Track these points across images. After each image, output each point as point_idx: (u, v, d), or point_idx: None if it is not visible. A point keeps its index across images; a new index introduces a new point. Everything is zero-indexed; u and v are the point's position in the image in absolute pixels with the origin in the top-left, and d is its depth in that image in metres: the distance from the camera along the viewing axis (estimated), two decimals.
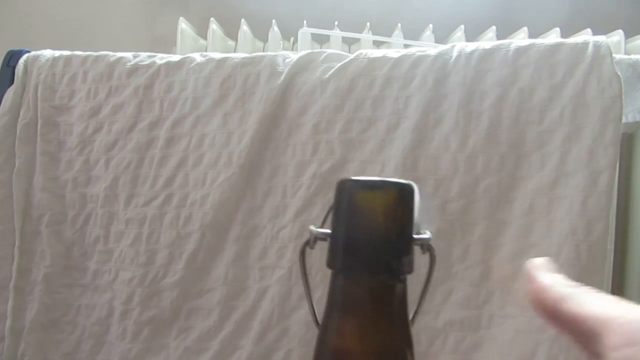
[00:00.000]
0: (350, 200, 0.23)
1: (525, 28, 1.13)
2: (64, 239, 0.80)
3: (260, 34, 1.23)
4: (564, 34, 1.09)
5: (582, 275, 0.64)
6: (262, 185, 0.76)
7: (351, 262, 0.23)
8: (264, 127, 0.76)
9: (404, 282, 0.24)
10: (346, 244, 0.23)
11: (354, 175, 0.73)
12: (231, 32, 1.23)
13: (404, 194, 0.24)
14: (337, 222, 0.24)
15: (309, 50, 0.80)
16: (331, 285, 0.24)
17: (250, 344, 0.72)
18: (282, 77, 0.76)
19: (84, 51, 0.86)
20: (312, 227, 0.25)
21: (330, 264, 0.24)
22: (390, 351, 0.23)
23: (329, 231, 0.24)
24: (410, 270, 0.24)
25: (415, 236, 0.24)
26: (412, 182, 0.24)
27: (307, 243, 0.25)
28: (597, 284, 0.64)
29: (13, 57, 0.86)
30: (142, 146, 0.79)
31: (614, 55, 0.69)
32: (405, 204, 0.24)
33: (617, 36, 1.01)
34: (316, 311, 0.26)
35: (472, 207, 0.69)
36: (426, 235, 0.24)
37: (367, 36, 1.15)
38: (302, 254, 0.25)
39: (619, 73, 0.68)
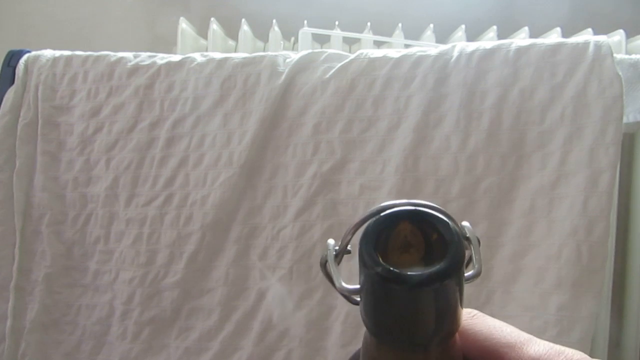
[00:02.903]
0: (384, 292, 0.19)
1: (526, 28, 1.12)
2: (64, 239, 0.80)
3: (261, 34, 1.22)
4: (565, 34, 1.09)
5: (583, 275, 0.64)
6: (262, 185, 0.76)
7: (385, 334, 0.20)
8: (264, 127, 0.76)
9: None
10: (379, 321, 0.20)
11: (355, 175, 0.73)
12: (232, 32, 1.23)
13: (450, 285, 0.18)
14: (367, 297, 0.19)
15: (310, 50, 0.80)
16: (364, 342, 0.21)
17: (250, 344, 0.72)
18: (283, 77, 0.76)
19: (85, 51, 0.86)
20: (331, 243, 0.22)
21: (364, 322, 0.20)
22: None
23: (357, 287, 0.20)
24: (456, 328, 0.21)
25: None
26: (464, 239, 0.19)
27: (324, 262, 0.21)
28: (597, 284, 0.64)
29: (13, 57, 0.86)
30: (143, 146, 0.79)
31: (615, 55, 0.69)
32: (451, 290, 0.19)
33: (618, 36, 1.01)
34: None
35: (473, 207, 0.69)
36: (471, 273, 0.21)
37: (367, 36, 1.15)
38: (324, 266, 0.21)
39: (620, 73, 0.68)
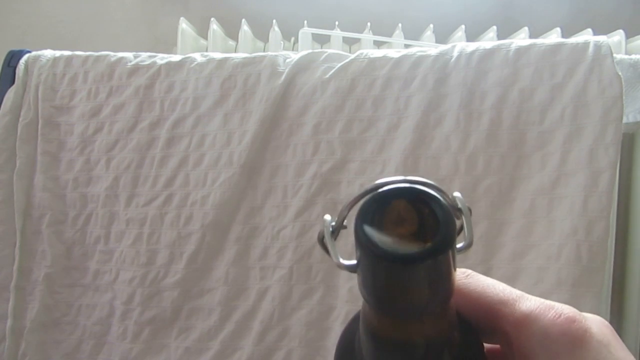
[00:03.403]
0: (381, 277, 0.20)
1: (526, 28, 1.13)
2: (64, 239, 0.80)
3: (261, 34, 1.23)
4: (565, 34, 1.09)
5: (583, 275, 0.64)
6: (262, 185, 0.76)
7: (382, 306, 0.21)
8: (264, 127, 0.76)
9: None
10: (376, 294, 0.21)
11: (355, 175, 0.73)
12: (232, 32, 1.23)
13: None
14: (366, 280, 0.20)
15: (310, 50, 0.80)
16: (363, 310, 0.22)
17: (250, 344, 0.72)
18: (283, 77, 0.76)
19: (85, 51, 0.86)
20: (327, 219, 0.22)
21: (361, 294, 0.21)
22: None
23: (354, 263, 0.21)
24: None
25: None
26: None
27: (322, 238, 0.22)
28: (597, 284, 0.64)
29: (14, 57, 0.86)
30: (143, 146, 0.79)
31: (614, 55, 0.69)
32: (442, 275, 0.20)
33: (618, 36, 1.01)
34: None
35: (473, 207, 0.69)
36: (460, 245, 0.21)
37: (367, 36, 1.15)
38: (321, 241, 0.22)
39: (620, 73, 0.68)
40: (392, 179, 0.20)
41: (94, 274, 0.79)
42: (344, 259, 0.21)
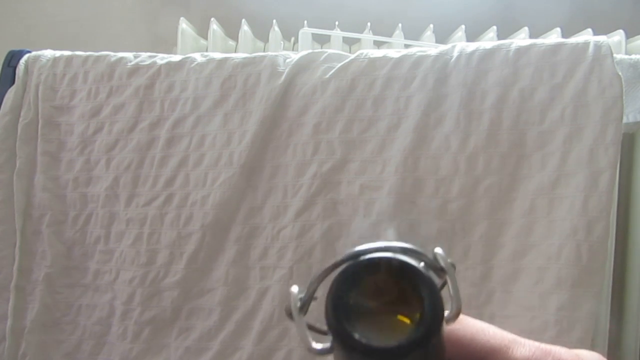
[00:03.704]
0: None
1: (526, 28, 1.12)
2: (64, 239, 0.80)
3: (261, 34, 1.23)
4: (565, 34, 1.09)
5: (583, 275, 0.64)
6: (262, 185, 0.76)
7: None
8: (264, 127, 0.76)
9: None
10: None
11: (355, 175, 0.73)
12: (232, 32, 1.23)
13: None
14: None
15: (310, 51, 0.80)
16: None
17: (251, 344, 0.72)
18: (283, 77, 0.76)
19: (85, 51, 0.86)
20: (294, 291, 0.19)
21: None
22: None
23: (327, 347, 0.18)
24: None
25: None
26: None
27: (289, 314, 0.19)
28: (597, 285, 0.64)
29: (14, 57, 0.86)
30: (143, 146, 0.79)
31: (614, 55, 0.69)
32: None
33: (618, 36, 1.01)
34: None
35: (473, 207, 0.69)
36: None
37: (367, 36, 1.15)
38: (290, 316, 0.19)
39: (620, 73, 0.68)
40: (366, 247, 0.18)
41: (94, 274, 0.79)
42: (317, 330, 0.18)
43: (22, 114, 0.83)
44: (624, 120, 0.68)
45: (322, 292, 0.18)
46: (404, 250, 0.18)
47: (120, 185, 0.79)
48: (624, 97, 0.67)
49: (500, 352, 0.21)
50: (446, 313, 0.18)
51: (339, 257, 0.18)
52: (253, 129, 0.75)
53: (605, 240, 0.65)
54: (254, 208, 0.75)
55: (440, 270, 0.19)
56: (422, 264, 0.18)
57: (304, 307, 0.19)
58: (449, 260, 0.19)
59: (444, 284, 0.19)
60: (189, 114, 0.79)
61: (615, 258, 0.82)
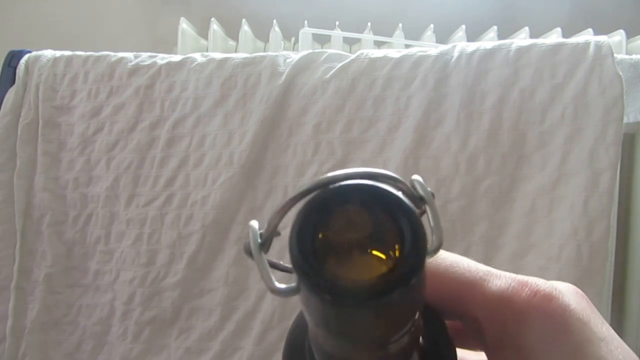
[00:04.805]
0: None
1: (527, 28, 1.13)
2: (65, 239, 0.80)
3: (261, 34, 1.23)
4: (565, 34, 1.09)
5: (583, 275, 0.64)
6: (263, 185, 0.76)
7: (335, 337, 0.17)
8: (265, 128, 0.76)
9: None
10: (326, 327, 0.16)
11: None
12: (232, 32, 1.23)
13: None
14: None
15: (310, 51, 0.80)
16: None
17: (251, 344, 0.72)
18: (283, 77, 0.76)
19: (85, 51, 0.86)
20: (254, 226, 0.17)
21: (307, 320, 0.17)
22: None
23: (292, 287, 0.16)
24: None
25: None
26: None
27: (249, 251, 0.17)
28: (598, 285, 0.64)
29: (14, 57, 0.86)
30: (143, 146, 0.79)
31: (615, 55, 0.69)
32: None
33: (619, 36, 1.01)
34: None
35: (473, 207, 0.69)
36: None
37: (368, 36, 1.15)
38: (249, 254, 0.17)
39: (621, 73, 0.68)
40: (336, 174, 0.15)
41: (94, 274, 0.79)
42: (281, 268, 0.16)
43: (22, 114, 0.83)
44: (625, 120, 0.68)
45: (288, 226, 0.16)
46: (377, 176, 0.15)
47: (121, 186, 0.79)
48: (624, 97, 0.67)
49: (476, 285, 0.19)
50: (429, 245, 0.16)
51: (305, 186, 0.15)
52: (253, 129, 0.75)
53: (606, 240, 0.65)
54: (254, 208, 0.75)
55: (419, 200, 0.16)
56: (399, 193, 0.15)
57: (266, 243, 0.17)
58: (428, 189, 0.16)
59: (422, 214, 0.16)
60: (189, 114, 0.79)
61: (615, 258, 0.82)
